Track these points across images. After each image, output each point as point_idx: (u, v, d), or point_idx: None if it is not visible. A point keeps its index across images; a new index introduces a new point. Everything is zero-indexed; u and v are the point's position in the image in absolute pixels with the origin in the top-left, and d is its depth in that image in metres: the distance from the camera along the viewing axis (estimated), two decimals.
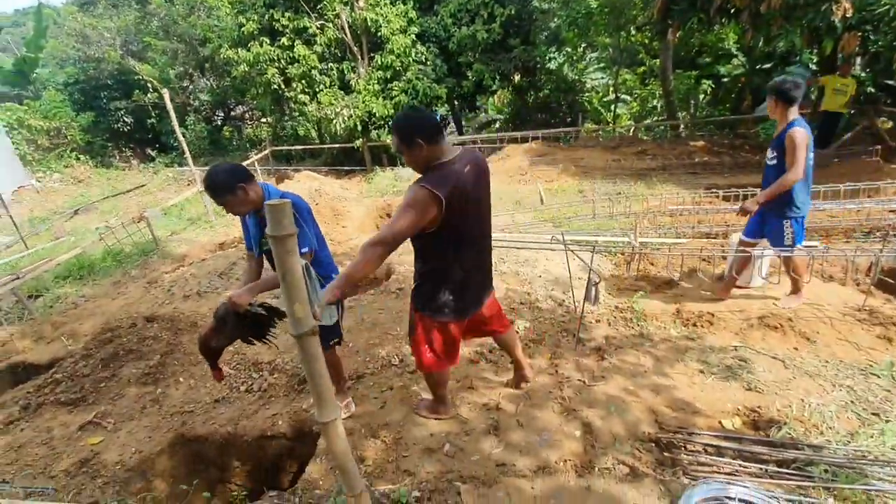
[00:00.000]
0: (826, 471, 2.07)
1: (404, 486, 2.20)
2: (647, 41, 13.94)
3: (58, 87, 15.42)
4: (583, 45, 14.53)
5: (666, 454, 2.29)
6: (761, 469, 2.14)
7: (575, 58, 15.14)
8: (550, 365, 3.01)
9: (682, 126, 12.23)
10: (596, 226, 5.71)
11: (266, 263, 2.47)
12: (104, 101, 15.03)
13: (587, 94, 15.14)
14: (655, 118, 14.16)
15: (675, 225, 5.38)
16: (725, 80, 12.61)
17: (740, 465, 2.17)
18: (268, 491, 2.36)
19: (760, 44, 11.01)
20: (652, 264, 4.51)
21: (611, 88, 14.95)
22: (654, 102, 14.46)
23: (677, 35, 8.78)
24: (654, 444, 2.36)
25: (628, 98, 15.40)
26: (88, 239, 7.41)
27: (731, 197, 5.47)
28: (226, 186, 2.11)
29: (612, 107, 14.43)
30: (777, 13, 6.41)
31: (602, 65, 15.86)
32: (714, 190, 6.10)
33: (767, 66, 12.19)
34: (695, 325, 3.46)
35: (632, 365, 2.96)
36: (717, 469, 2.16)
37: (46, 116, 13.73)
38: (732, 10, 7.27)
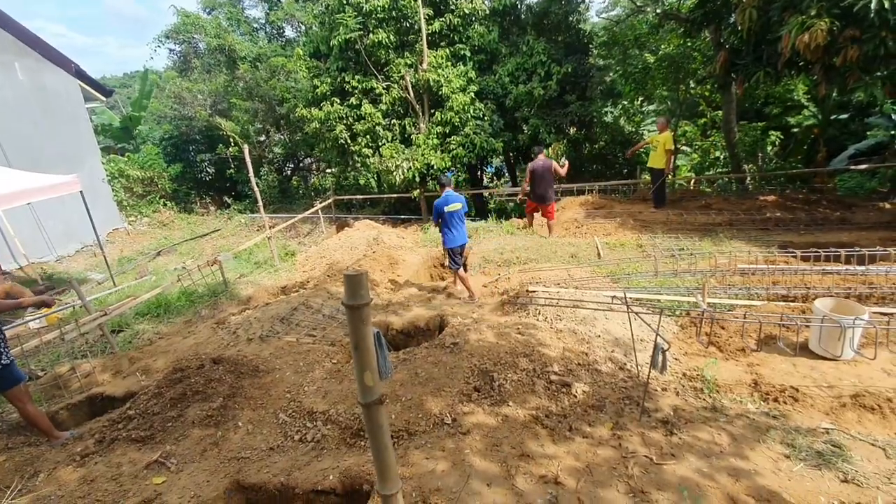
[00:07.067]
0: None
1: None
2: (707, 93, 13.71)
3: (154, 143, 17.43)
4: (640, 98, 14.52)
5: None
6: None
7: (632, 111, 15.13)
8: (613, 436, 2.83)
9: (748, 179, 11.68)
10: (658, 283, 5.46)
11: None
12: (192, 153, 16.85)
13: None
14: (718, 170, 13.66)
15: (746, 285, 5.04)
16: (796, 130, 12.04)
17: None
18: None
19: (835, 94, 10.54)
20: (723, 328, 4.20)
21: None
22: (717, 154, 14.00)
23: (742, 88, 8.55)
24: None
25: (688, 149, 15.03)
26: (167, 279, 8.03)
27: (810, 257, 5.07)
28: None
29: (672, 159, 14.09)
30: (854, 66, 6.10)
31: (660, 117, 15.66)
32: (790, 249, 5.69)
33: (843, 116, 11.56)
34: (776, 400, 3.15)
35: (705, 443, 2.71)
36: None
37: (143, 167, 15.44)
38: (801, 63, 7.02)
